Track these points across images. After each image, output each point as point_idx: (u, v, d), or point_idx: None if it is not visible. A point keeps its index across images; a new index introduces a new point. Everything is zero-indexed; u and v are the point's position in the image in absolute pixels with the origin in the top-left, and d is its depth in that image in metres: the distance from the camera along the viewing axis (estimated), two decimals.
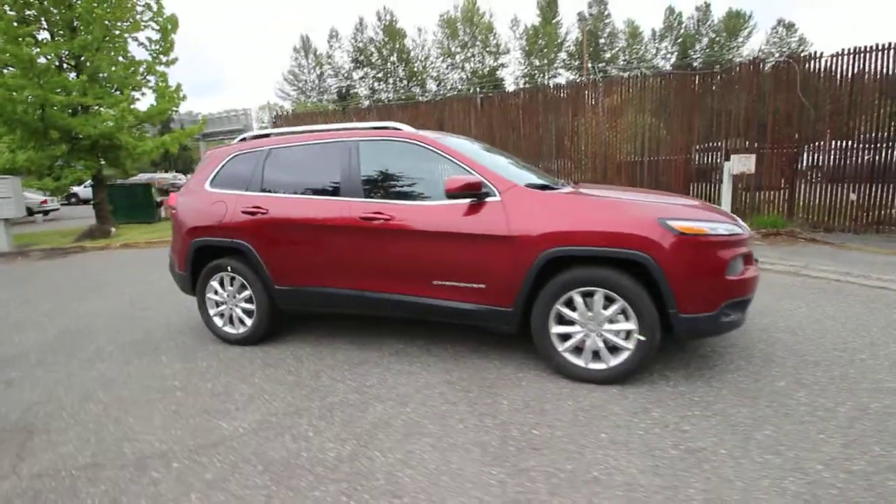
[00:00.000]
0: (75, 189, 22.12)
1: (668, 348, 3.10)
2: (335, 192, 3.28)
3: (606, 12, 43.12)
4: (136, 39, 11.98)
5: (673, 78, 8.50)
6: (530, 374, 2.93)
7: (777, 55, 33.14)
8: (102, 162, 12.02)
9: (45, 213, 18.62)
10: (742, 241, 2.68)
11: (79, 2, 10.66)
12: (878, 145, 6.87)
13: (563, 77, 44.16)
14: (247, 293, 3.61)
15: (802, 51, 34.23)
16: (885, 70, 6.72)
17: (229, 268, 3.60)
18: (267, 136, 3.84)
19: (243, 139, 3.90)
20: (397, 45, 47.47)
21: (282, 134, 3.74)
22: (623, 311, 2.64)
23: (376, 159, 3.26)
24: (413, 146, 3.17)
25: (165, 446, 2.38)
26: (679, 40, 42.65)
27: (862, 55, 6.80)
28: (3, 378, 3.35)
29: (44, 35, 11.12)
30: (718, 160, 8.06)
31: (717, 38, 41.15)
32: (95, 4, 10.75)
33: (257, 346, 3.66)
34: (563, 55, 44.87)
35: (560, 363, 2.80)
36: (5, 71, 10.24)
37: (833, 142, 7.46)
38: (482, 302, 2.91)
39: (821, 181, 7.49)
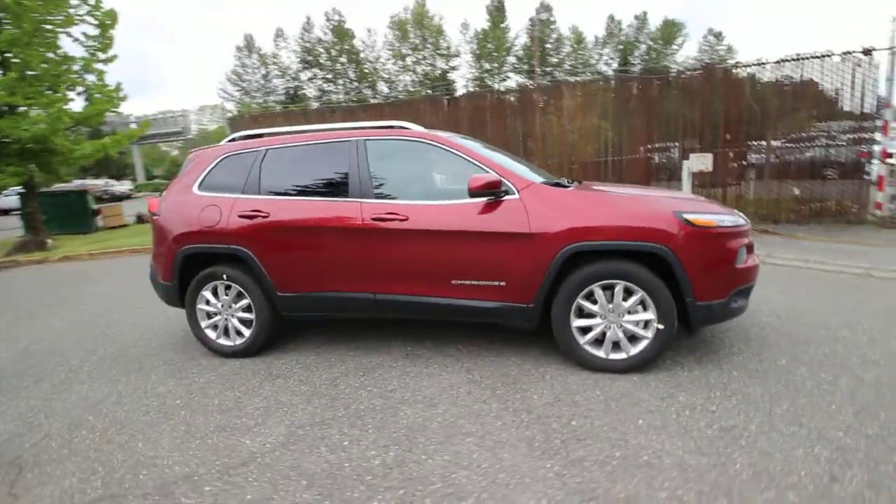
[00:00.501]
0: None
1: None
2: (342, 193, 3.17)
3: (553, 19, 44.65)
4: (70, 35, 11.02)
5: (635, 82, 8.94)
6: (551, 368, 2.98)
7: (708, 61, 35.69)
8: (33, 168, 10.94)
9: None
10: (745, 231, 2.87)
11: None
12: (805, 145, 7.62)
13: (513, 80, 45.29)
14: (244, 302, 3.42)
15: (730, 58, 37.08)
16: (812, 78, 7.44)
17: (225, 276, 3.39)
18: (259, 136, 3.67)
19: (232, 139, 3.70)
20: (346, 46, 46.71)
21: (277, 134, 3.58)
22: (642, 302, 2.75)
23: (386, 159, 3.19)
24: (425, 145, 3.13)
25: (188, 469, 2.21)
26: (620, 47, 44.91)
27: (800, 63, 7.47)
28: None
29: None
30: (676, 159, 8.58)
31: (655, 45, 43.74)
32: None
33: (256, 357, 3.47)
34: (511, 59, 45.97)
35: (582, 356, 2.87)
36: None
37: (773, 142, 8.16)
38: (503, 299, 2.92)
39: (768, 178, 8.14)
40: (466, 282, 2.96)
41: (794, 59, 7.42)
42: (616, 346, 2.84)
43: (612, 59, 45.49)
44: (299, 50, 47.61)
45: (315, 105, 43.00)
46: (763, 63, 7.70)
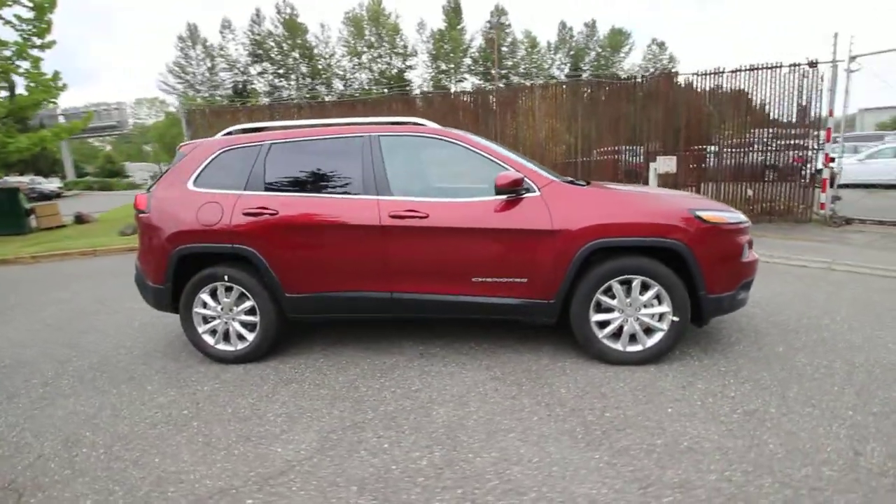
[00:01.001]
0: None
1: None
2: (357, 189, 3.09)
3: (508, 22, 45.51)
4: (1, 17, 10.00)
5: (604, 86, 9.30)
6: (568, 362, 3.05)
7: (652, 69, 37.82)
8: None
9: None
10: (747, 228, 3.06)
11: None
12: (750, 150, 8.29)
13: (469, 82, 45.77)
14: (247, 304, 3.24)
15: (672, 67, 39.35)
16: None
17: (226, 277, 3.20)
18: (258, 129, 3.49)
19: (229, 133, 3.50)
20: (299, 41, 45.32)
21: (280, 128, 3.42)
22: (657, 296, 2.87)
23: (401, 155, 3.14)
24: (442, 142, 3.11)
25: (221, 482, 2.07)
26: (572, 53, 46.51)
27: (751, 73, 8.06)
28: None
29: None
30: (641, 161, 9.02)
31: (603, 53, 45.66)
32: None
33: (260, 362, 3.31)
34: (468, 60, 46.41)
35: (601, 349, 2.95)
36: None
37: (724, 149, 8.76)
38: (525, 296, 2.95)
39: (724, 179, 8.72)
40: (488, 279, 2.96)
41: (748, 70, 7.99)
42: (632, 338, 2.95)
43: (564, 64, 47.03)
44: (248, 43, 45.68)
45: (266, 100, 41.46)
46: (721, 72, 8.24)
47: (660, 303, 2.89)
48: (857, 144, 14.46)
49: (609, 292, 2.91)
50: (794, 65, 7.66)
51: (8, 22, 10.12)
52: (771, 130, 8.24)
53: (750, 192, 8.41)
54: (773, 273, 4.98)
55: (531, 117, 9.46)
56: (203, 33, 45.78)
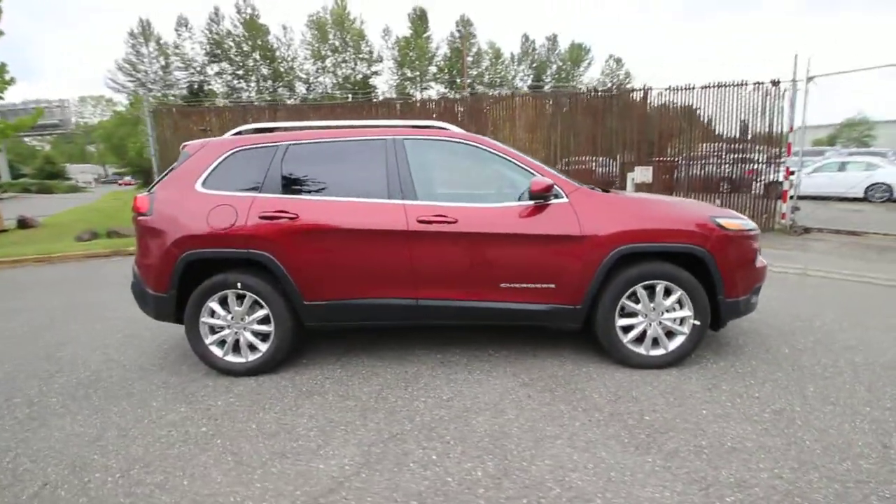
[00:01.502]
0: None
1: None
2: (380, 193, 3.01)
3: (473, 32, 46.18)
4: None
5: (581, 98, 9.59)
6: (591, 367, 3.08)
7: (611, 84, 39.51)
8: None
9: None
10: (758, 235, 3.22)
11: None
12: (715, 160, 8.85)
13: (434, 90, 46.02)
14: (261, 313, 3.08)
15: (628, 82, 41.16)
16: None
17: (239, 284, 3.03)
18: (270, 130, 3.35)
19: (239, 133, 3.33)
20: (260, 42, 44.09)
21: (296, 128, 3.30)
22: (679, 300, 2.96)
23: (425, 158, 3.10)
24: (467, 147, 3.09)
25: None
26: (534, 65, 47.77)
27: (721, 90, 8.56)
28: None
29: None
30: (616, 171, 9.36)
31: (564, 66, 47.18)
32: None
33: (272, 374, 3.14)
34: (433, 69, 46.68)
35: (626, 354, 3.01)
36: None
37: (689, 158, 9.27)
38: (552, 301, 2.97)
39: (693, 189, 9.18)
40: (516, 284, 2.96)
41: (716, 86, 8.48)
42: (654, 343, 3.02)
43: (527, 75, 48.21)
44: (205, 42, 43.98)
45: (223, 102, 39.96)
46: (691, 87, 8.70)
47: (681, 307, 2.98)
48: (802, 159, 15.60)
49: (633, 297, 2.98)
50: (758, 83, 8.20)
51: None
52: (735, 145, 8.78)
53: (718, 202, 8.88)
54: None
55: (512, 126, 9.61)
56: (157, 30, 43.67)
